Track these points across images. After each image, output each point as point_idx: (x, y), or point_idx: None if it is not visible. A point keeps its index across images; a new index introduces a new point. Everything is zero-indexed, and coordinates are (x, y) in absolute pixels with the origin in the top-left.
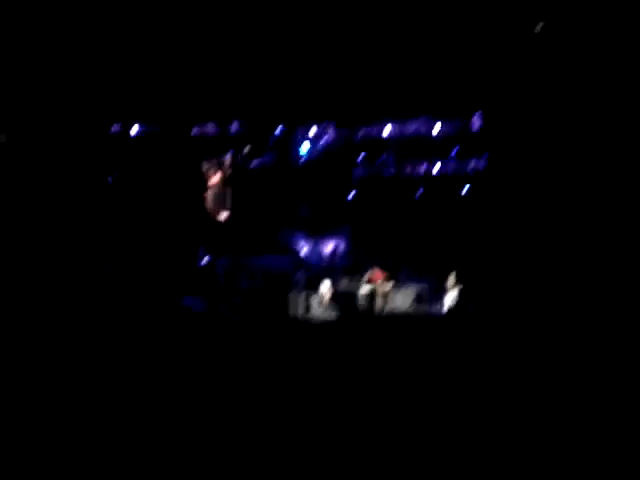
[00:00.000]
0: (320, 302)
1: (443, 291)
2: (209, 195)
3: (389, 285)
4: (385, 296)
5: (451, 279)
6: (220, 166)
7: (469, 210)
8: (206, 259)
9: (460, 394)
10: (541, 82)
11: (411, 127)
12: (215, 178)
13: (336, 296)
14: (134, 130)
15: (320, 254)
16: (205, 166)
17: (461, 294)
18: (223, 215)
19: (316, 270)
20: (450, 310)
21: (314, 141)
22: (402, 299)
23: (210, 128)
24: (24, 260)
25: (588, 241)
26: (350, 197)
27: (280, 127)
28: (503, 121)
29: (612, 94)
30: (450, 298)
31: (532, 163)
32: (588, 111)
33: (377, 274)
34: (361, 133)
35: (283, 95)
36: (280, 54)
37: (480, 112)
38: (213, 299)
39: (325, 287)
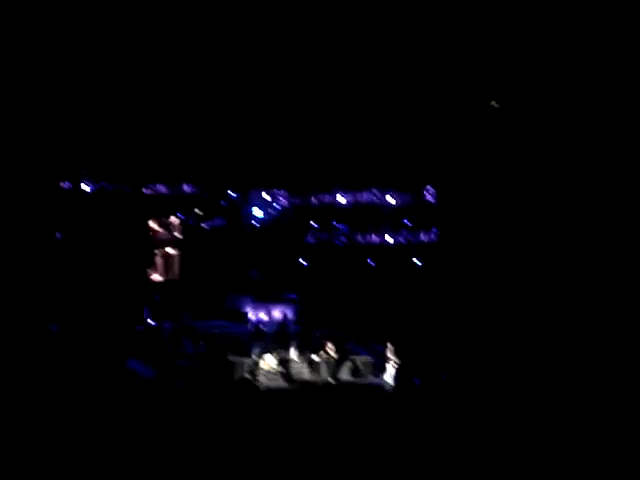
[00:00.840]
0: (266, 369)
1: (384, 362)
2: (157, 256)
3: (334, 355)
4: (330, 366)
5: (390, 350)
6: (170, 227)
7: (419, 281)
8: (152, 322)
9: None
10: (493, 157)
11: (364, 197)
12: (164, 239)
13: (282, 363)
14: (85, 187)
15: (268, 320)
16: (154, 226)
17: (401, 366)
18: (170, 277)
19: (263, 336)
20: (389, 381)
21: (266, 206)
22: (346, 370)
23: (161, 188)
24: None
25: (536, 312)
26: (301, 264)
27: (232, 190)
28: (454, 194)
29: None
30: (390, 369)
31: (482, 235)
32: (540, 184)
33: (324, 344)
34: (314, 201)
35: (237, 159)
36: (236, 119)
37: (431, 185)
38: (158, 363)
39: (272, 354)
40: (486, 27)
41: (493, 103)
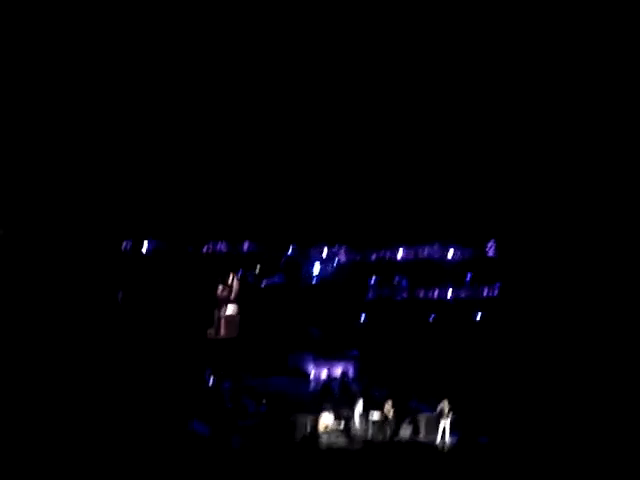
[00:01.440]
0: (327, 427)
1: (440, 419)
2: (218, 315)
3: (393, 414)
4: (390, 425)
5: (445, 407)
6: (230, 285)
7: (480, 338)
8: (212, 381)
9: None
10: (553, 213)
11: (424, 252)
12: (224, 297)
13: (344, 422)
14: (145, 247)
15: (330, 378)
16: (215, 285)
17: (456, 422)
18: (231, 336)
19: (325, 395)
20: (445, 439)
21: (326, 262)
22: (406, 428)
23: (221, 246)
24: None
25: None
26: (361, 320)
27: (292, 247)
28: (516, 249)
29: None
30: (445, 426)
31: (544, 292)
32: (595, 245)
33: (385, 402)
34: (374, 256)
35: (295, 215)
36: (295, 176)
37: (494, 240)
38: (218, 422)
39: (333, 412)
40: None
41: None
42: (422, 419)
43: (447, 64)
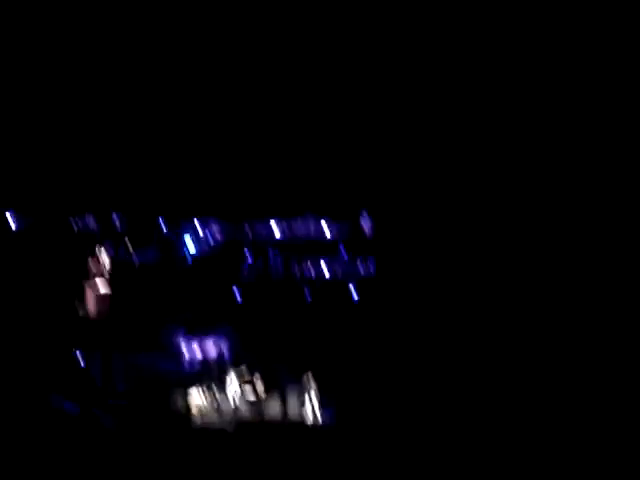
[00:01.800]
0: (199, 406)
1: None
2: (86, 291)
3: (265, 391)
4: (262, 402)
5: (310, 381)
6: (99, 261)
7: (358, 315)
8: (82, 360)
9: None
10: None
11: (300, 226)
12: (93, 273)
13: (215, 400)
14: (6, 221)
15: (202, 356)
16: (83, 261)
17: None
18: (101, 312)
19: (196, 371)
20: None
21: (199, 237)
22: (274, 404)
23: (89, 220)
24: None
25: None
26: (235, 296)
27: (163, 221)
28: (393, 222)
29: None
30: (313, 401)
31: (423, 266)
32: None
33: (257, 380)
34: (248, 230)
35: (166, 188)
36: (160, 145)
37: (367, 212)
38: (87, 401)
39: (205, 390)
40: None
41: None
42: (291, 395)
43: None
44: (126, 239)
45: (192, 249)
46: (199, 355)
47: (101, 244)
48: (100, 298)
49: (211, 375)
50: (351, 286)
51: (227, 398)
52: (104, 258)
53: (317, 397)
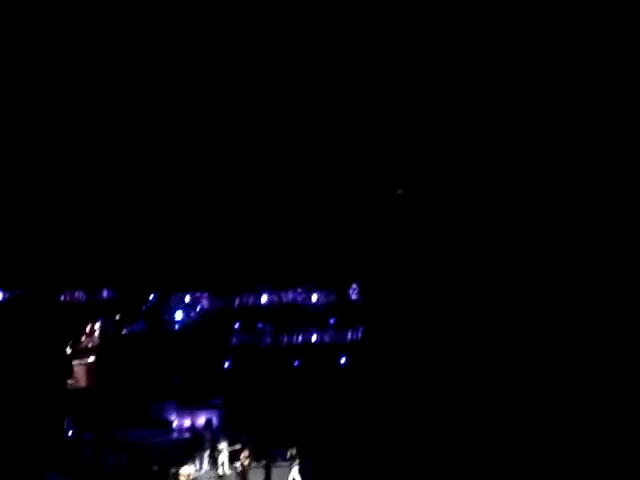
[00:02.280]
0: (189, 477)
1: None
2: (78, 364)
3: (250, 462)
4: (248, 473)
5: (294, 454)
6: (90, 334)
7: (344, 381)
8: (71, 432)
9: None
10: (415, 254)
11: (288, 296)
12: (84, 346)
13: (205, 472)
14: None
15: (192, 427)
16: (74, 334)
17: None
18: (91, 386)
19: (187, 444)
20: None
21: (188, 309)
22: (261, 476)
23: (80, 295)
24: None
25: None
26: (225, 367)
27: (153, 294)
28: (380, 292)
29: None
30: (294, 475)
31: (409, 334)
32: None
33: (244, 451)
34: (237, 302)
35: (156, 262)
36: (153, 222)
37: (356, 284)
38: (77, 475)
39: (195, 462)
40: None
41: (399, 191)
42: (275, 468)
43: None
44: (117, 313)
45: (182, 321)
46: (188, 426)
47: (92, 318)
48: (91, 371)
49: (201, 447)
50: (340, 353)
51: (215, 468)
52: (95, 332)
53: (302, 471)
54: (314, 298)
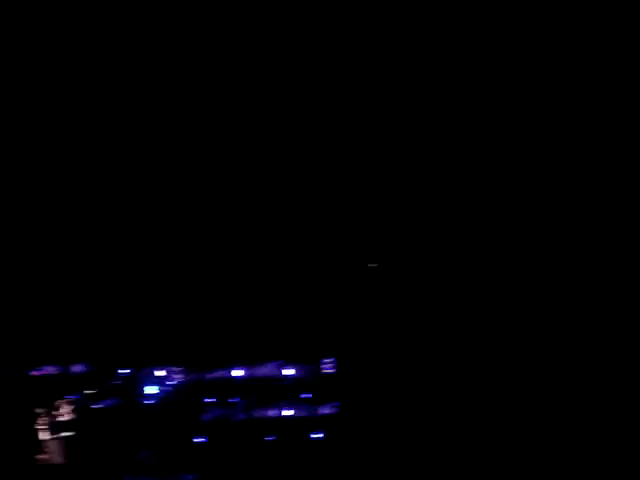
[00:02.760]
0: None
1: None
2: (46, 441)
3: None
4: None
5: None
6: (60, 409)
7: (321, 455)
8: None
9: None
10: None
11: (262, 370)
12: (54, 422)
13: None
14: None
15: None
16: (44, 409)
17: None
18: (62, 462)
19: None
20: None
21: (161, 384)
22: None
23: (50, 369)
24: None
25: None
26: (198, 442)
27: (126, 369)
28: (355, 366)
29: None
30: None
31: (384, 415)
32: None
33: None
34: (210, 376)
35: (130, 337)
36: (125, 296)
37: (332, 358)
38: None
39: None
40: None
41: (371, 265)
42: None
43: None
44: (90, 388)
45: (155, 396)
46: None
47: (65, 393)
48: (61, 447)
49: None
50: (313, 427)
51: None
52: (68, 406)
53: None
54: (288, 372)
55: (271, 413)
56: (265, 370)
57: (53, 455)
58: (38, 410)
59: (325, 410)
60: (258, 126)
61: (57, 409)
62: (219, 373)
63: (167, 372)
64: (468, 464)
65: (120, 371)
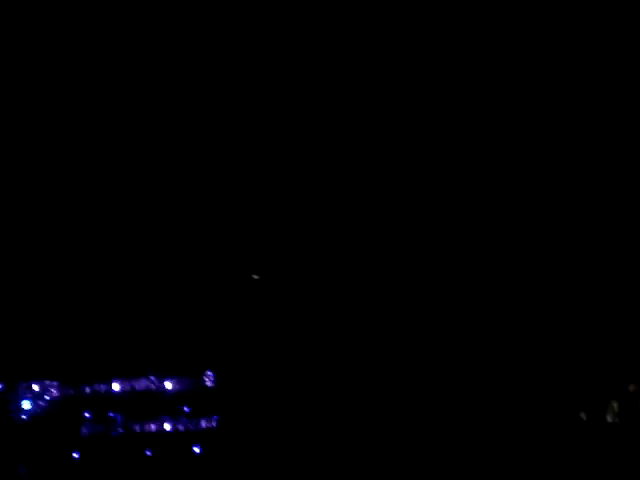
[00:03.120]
0: None
1: None
2: None
3: None
4: None
5: None
6: None
7: (201, 470)
8: None
9: None
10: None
11: (140, 384)
12: None
13: None
14: None
15: None
16: None
17: None
18: None
19: None
20: None
21: (36, 398)
22: None
23: None
24: None
25: None
26: (75, 458)
27: None
28: (235, 380)
29: None
30: None
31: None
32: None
33: None
34: (88, 390)
35: (2, 351)
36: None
37: (211, 371)
38: None
39: None
40: None
41: (254, 276)
42: None
43: None
44: None
45: (30, 411)
46: None
47: None
48: None
49: None
50: (194, 442)
51: None
52: None
53: None
54: (167, 385)
55: (151, 427)
56: (144, 383)
57: None
58: None
59: (204, 424)
60: None
61: None
62: (97, 387)
63: (42, 386)
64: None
65: None
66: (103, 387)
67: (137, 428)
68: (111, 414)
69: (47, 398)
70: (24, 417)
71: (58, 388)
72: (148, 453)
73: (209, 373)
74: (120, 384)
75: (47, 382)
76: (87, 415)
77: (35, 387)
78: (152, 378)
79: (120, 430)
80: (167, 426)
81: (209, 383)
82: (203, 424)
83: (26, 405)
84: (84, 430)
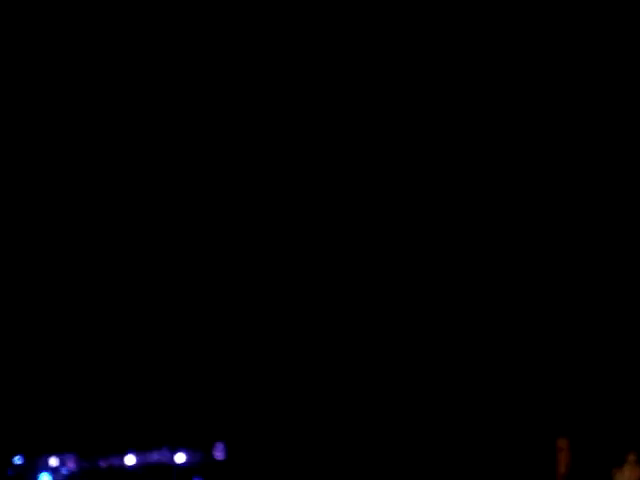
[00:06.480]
0: None
1: None
2: None
3: None
4: None
5: None
6: None
7: None
8: None
9: None
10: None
11: (153, 457)
12: None
13: None
14: None
15: None
16: None
17: None
18: None
19: None
20: None
21: (55, 472)
22: None
23: None
24: None
25: None
26: None
27: (19, 457)
28: (246, 451)
29: None
30: None
31: None
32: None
33: None
34: (103, 463)
35: (21, 425)
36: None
37: (222, 443)
38: None
39: None
40: None
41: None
42: None
43: None
44: None
45: None
46: None
47: None
48: None
49: None
50: None
51: None
52: None
53: None
54: (179, 458)
55: None
56: (157, 456)
57: None
58: None
59: None
60: None
61: None
62: (112, 460)
63: (60, 460)
64: None
65: (14, 460)
66: (117, 460)
67: None
68: None
69: (64, 472)
70: None
71: (75, 461)
72: None
73: (219, 445)
74: (134, 457)
75: (64, 455)
76: None
77: (53, 461)
78: (164, 451)
79: None
80: None
81: (219, 455)
82: None
83: (45, 478)
84: None
